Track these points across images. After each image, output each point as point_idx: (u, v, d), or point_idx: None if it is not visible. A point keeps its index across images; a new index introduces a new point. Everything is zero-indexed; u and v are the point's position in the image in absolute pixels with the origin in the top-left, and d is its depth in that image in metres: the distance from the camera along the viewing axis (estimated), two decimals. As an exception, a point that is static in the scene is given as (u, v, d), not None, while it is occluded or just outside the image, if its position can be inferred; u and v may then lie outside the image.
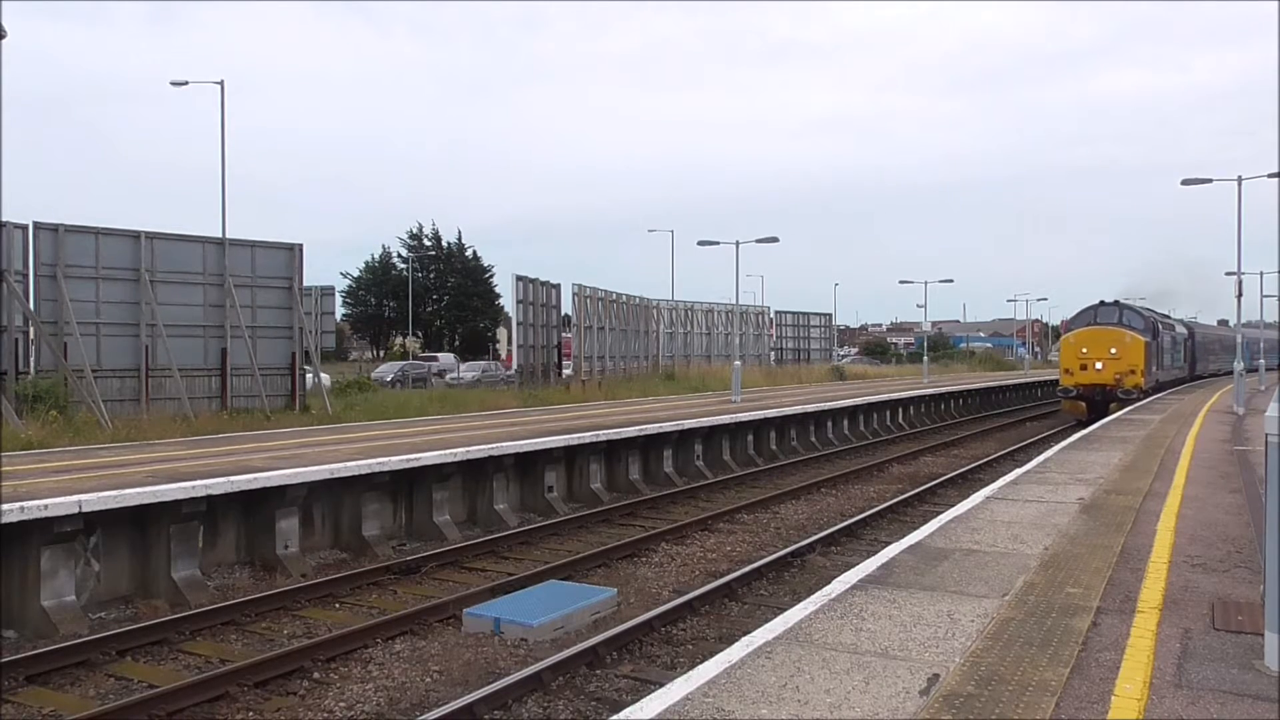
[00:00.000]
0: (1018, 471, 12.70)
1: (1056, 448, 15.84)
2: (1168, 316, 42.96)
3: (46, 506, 9.42)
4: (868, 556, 8.46)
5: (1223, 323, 78.64)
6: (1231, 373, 55.04)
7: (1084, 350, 31.70)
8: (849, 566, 8.26)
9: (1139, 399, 30.10)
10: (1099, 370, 31.33)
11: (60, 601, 9.62)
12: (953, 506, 10.33)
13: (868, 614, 5.93)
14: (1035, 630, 5.61)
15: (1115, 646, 5.34)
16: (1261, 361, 46.62)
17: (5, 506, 9.13)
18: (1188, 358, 43.45)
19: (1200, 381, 46.53)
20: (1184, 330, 43.85)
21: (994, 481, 12.31)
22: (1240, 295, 28.35)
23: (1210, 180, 26.02)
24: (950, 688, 4.68)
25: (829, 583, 6.91)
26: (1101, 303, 33.50)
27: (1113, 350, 31.35)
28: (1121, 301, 34.10)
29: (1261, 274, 43.26)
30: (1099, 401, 30.89)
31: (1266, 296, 48.21)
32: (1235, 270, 28.08)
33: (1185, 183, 26.26)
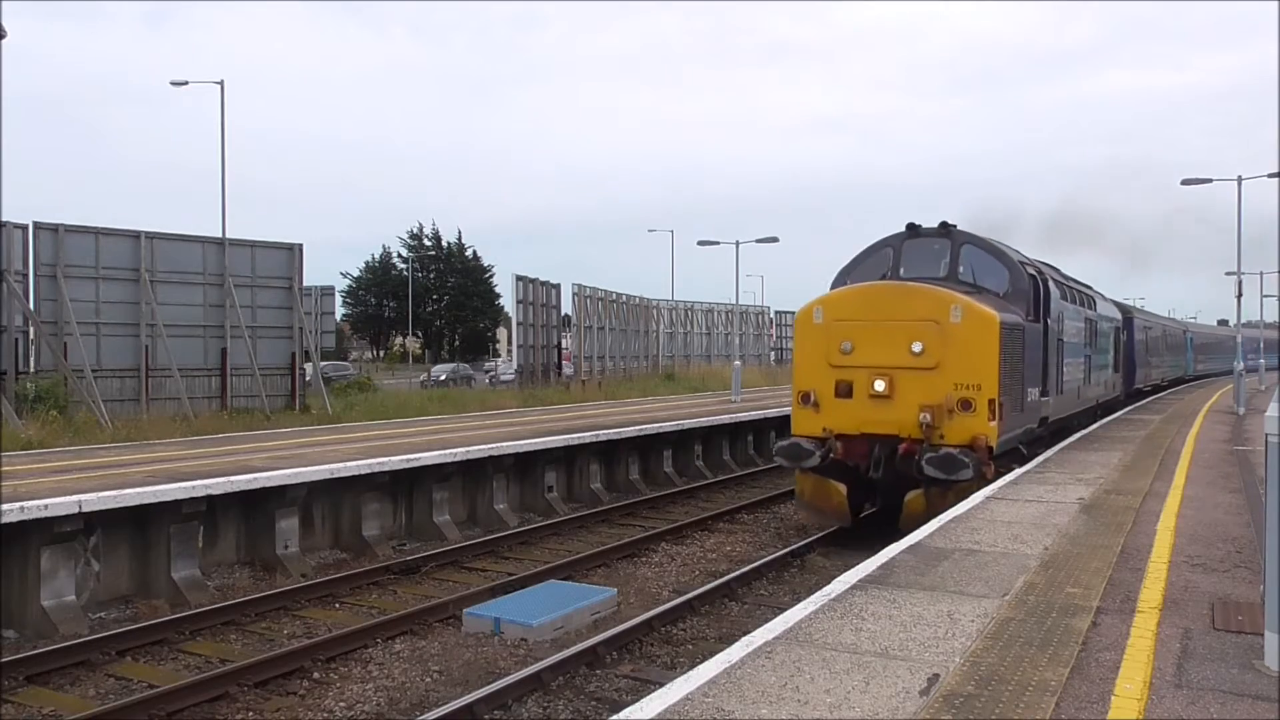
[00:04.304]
0: (1018, 471, 12.70)
1: (1056, 448, 15.84)
2: (1087, 287, 22.22)
3: (46, 506, 9.42)
4: (868, 556, 8.46)
5: (1222, 323, 78.05)
6: (1179, 383, 41.45)
7: (846, 345, 12.85)
8: (849, 566, 8.26)
9: (977, 479, 11.82)
10: (879, 396, 12.59)
11: (60, 601, 9.62)
12: (952, 506, 10.32)
13: (868, 614, 5.93)
14: (1035, 630, 5.61)
15: (1115, 646, 5.34)
16: (1261, 361, 46.31)
17: (5, 506, 9.12)
18: (1122, 362, 26.10)
19: (1145, 401, 29.77)
20: (1114, 312, 25.11)
21: (994, 481, 12.30)
22: (1240, 295, 28.33)
23: (1210, 180, 26.02)
24: (950, 688, 4.68)
25: (829, 583, 6.91)
26: (912, 228, 14.54)
27: (916, 346, 12.44)
28: (960, 229, 14.48)
29: (1261, 274, 43.21)
30: (885, 484, 12.82)
31: (1266, 296, 48.04)
32: (1235, 270, 28.06)
33: (1185, 183, 26.25)
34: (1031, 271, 14.79)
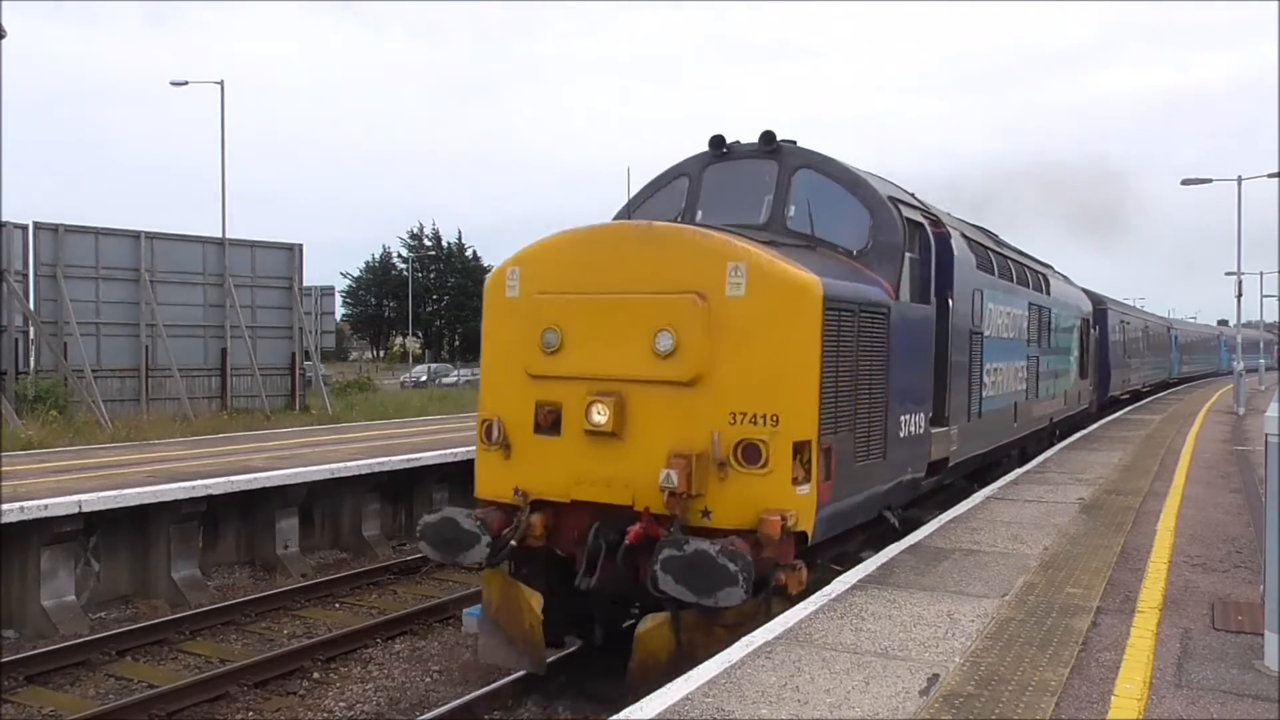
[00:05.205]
0: (1018, 471, 12.69)
1: (1056, 448, 15.83)
2: (1043, 264, 16.89)
3: (46, 506, 9.42)
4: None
5: (1222, 323, 78.03)
6: (1163, 389, 36.36)
7: (550, 336, 7.06)
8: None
9: (763, 603, 6.40)
10: (600, 432, 6.81)
11: (60, 601, 9.62)
12: (952, 506, 10.32)
13: (868, 614, 5.93)
14: (1035, 630, 5.61)
15: (1115, 646, 5.34)
16: (1261, 361, 46.19)
17: (5, 506, 9.13)
18: (1093, 365, 21.75)
19: (1121, 412, 24.75)
20: (1080, 301, 19.98)
21: (993, 481, 12.31)
22: (1240, 295, 28.35)
23: (1210, 180, 26.05)
24: (950, 688, 4.68)
25: (828, 582, 6.91)
26: (719, 145, 8.76)
27: (663, 341, 6.69)
28: (797, 146, 8.64)
29: (1261, 274, 43.25)
30: (607, 598, 7.16)
31: (1266, 296, 48.05)
32: (1235, 270, 28.08)
33: (1185, 183, 26.29)
34: (915, 218, 8.90)
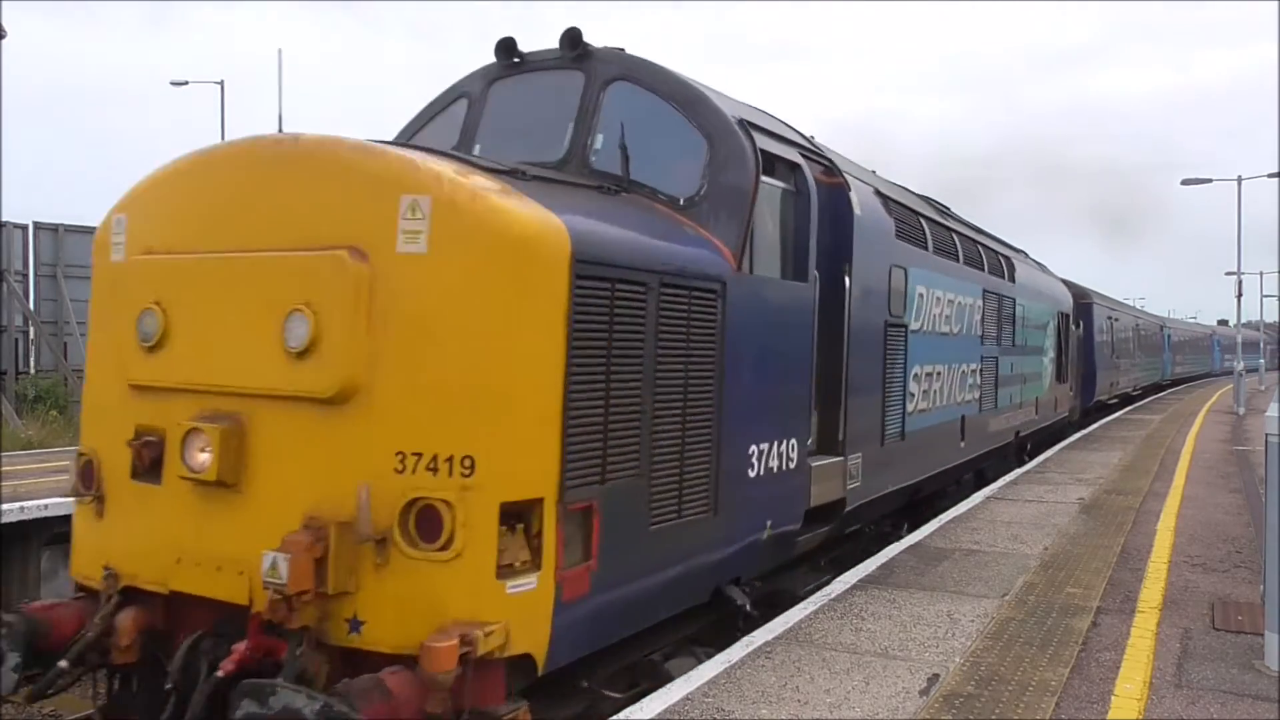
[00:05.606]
0: (1018, 471, 12.70)
1: (1056, 448, 15.84)
2: (1016, 251, 15.13)
3: (46, 506, 9.42)
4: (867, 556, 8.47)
5: (1222, 323, 78.10)
6: (1154, 391, 34.70)
7: (149, 321, 4.56)
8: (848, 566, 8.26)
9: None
10: (199, 479, 4.24)
11: (60, 601, 9.62)
12: (952, 506, 10.33)
13: (868, 614, 5.93)
14: (1035, 630, 5.61)
15: (1115, 646, 5.34)
16: (1261, 361, 46.16)
17: (5, 506, 9.12)
18: (1074, 366, 19.72)
19: (1120, 413, 24.57)
20: (1058, 291, 17.81)
21: (994, 481, 12.32)
22: (1240, 295, 28.38)
23: (1210, 180, 26.07)
24: (950, 688, 4.68)
25: (829, 583, 6.91)
26: (508, 52, 6.37)
27: (295, 329, 4.13)
28: (619, 51, 6.20)
29: (1261, 274, 43.29)
30: None
31: (1266, 296, 48.06)
32: (1235, 270, 28.11)
33: (1185, 183, 26.31)
34: (787, 157, 6.54)
